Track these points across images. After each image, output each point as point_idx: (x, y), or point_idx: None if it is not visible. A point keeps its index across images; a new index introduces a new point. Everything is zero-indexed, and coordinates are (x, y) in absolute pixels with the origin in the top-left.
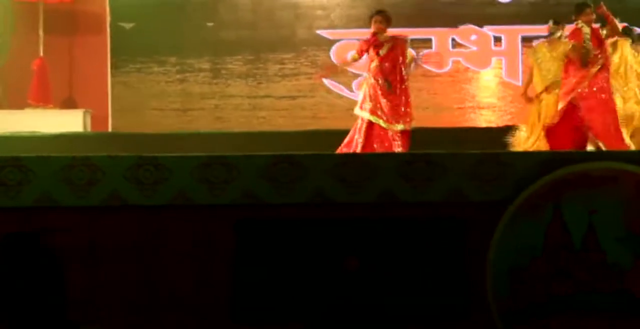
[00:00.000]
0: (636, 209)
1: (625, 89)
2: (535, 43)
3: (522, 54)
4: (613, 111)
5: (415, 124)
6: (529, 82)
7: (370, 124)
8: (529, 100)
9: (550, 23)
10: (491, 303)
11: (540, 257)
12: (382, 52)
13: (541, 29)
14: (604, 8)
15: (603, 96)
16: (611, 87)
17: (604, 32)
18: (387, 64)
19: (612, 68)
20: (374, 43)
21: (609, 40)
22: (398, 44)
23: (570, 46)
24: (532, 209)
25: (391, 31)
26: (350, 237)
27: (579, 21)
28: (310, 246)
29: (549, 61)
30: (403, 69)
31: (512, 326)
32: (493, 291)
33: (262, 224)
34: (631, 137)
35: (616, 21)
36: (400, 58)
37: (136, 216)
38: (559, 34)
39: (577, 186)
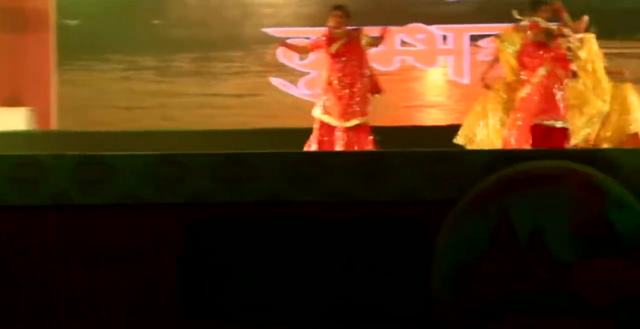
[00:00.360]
0: (579, 207)
1: (595, 87)
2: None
3: (469, 53)
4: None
5: None
6: (490, 68)
7: (322, 124)
8: (487, 86)
9: (515, 12)
10: (439, 303)
11: (485, 255)
12: (332, 49)
13: (488, 28)
14: (559, 4)
15: (554, 90)
16: (563, 84)
17: (555, 27)
18: (340, 60)
19: (579, 64)
20: (328, 39)
21: (577, 36)
22: (353, 38)
23: (533, 35)
24: (478, 206)
25: None
26: (304, 237)
27: (535, 18)
28: (263, 246)
29: None
30: (360, 63)
31: (462, 326)
32: (441, 290)
33: (213, 224)
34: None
35: (566, 18)
36: (356, 52)
37: (83, 215)
38: (525, 22)
39: (524, 184)
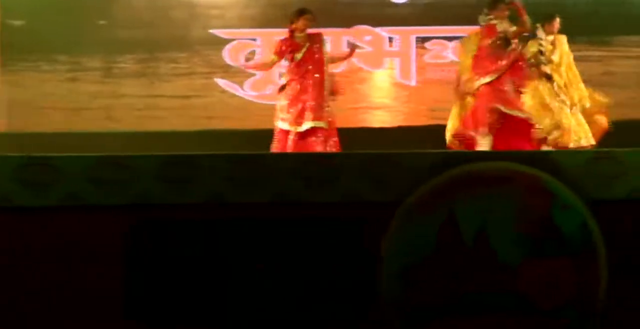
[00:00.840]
0: (526, 209)
1: (568, 86)
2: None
3: (416, 55)
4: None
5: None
6: (461, 75)
7: (281, 129)
8: (462, 96)
9: (481, 18)
10: (385, 304)
11: (432, 257)
12: (297, 57)
13: (435, 30)
14: (518, 3)
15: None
16: (520, 86)
17: (514, 28)
18: (302, 68)
19: (552, 67)
20: (292, 45)
21: (549, 38)
22: (314, 43)
23: (490, 42)
24: (425, 208)
25: (277, 31)
26: (246, 238)
27: (492, 17)
28: (207, 248)
29: None
30: (321, 68)
31: (408, 327)
32: (387, 291)
33: (158, 225)
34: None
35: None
36: (317, 57)
37: (25, 217)
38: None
39: (471, 186)
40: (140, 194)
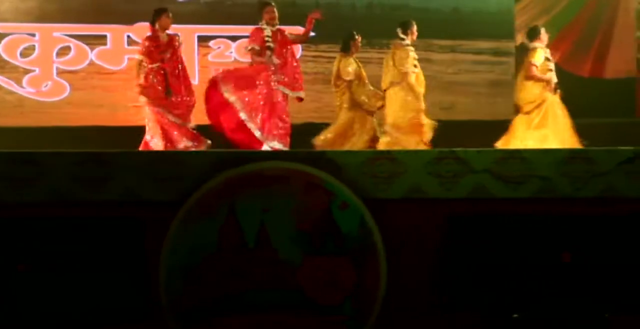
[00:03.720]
0: (305, 208)
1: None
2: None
3: (198, 53)
4: None
5: (89, 123)
6: None
7: None
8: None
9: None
10: (165, 304)
11: (214, 255)
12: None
13: (217, 29)
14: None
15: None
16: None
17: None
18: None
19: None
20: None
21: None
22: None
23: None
24: (205, 207)
25: (56, 26)
26: (22, 237)
27: (262, 21)
28: None
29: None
30: None
31: (187, 326)
32: (166, 291)
33: None
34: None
35: None
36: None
37: None
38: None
39: (251, 185)
40: None
